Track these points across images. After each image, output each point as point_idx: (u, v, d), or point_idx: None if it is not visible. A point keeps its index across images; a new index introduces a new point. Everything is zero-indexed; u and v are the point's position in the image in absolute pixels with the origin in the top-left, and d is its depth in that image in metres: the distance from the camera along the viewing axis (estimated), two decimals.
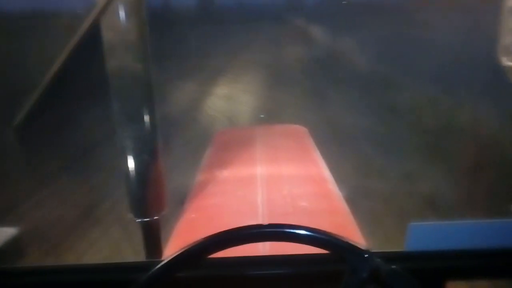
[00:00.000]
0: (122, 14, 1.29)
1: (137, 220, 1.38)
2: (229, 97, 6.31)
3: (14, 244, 1.87)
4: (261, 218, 1.41)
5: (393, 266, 0.68)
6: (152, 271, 0.69)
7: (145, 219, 1.37)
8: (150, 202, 1.38)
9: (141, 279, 0.68)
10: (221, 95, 6.40)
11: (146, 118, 1.36)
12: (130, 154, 1.35)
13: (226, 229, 0.74)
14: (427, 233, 0.90)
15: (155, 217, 1.38)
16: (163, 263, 0.70)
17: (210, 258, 0.74)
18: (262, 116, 5.11)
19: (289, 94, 5.83)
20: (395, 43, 8.14)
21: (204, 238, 0.72)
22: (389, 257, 0.83)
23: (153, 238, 1.38)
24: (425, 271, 0.85)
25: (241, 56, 8.27)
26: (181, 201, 1.66)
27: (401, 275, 0.68)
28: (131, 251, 2.25)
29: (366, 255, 0.67)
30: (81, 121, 4.28)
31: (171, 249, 1.31)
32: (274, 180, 1.77)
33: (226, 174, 1.89)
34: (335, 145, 3.53)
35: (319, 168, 1.89)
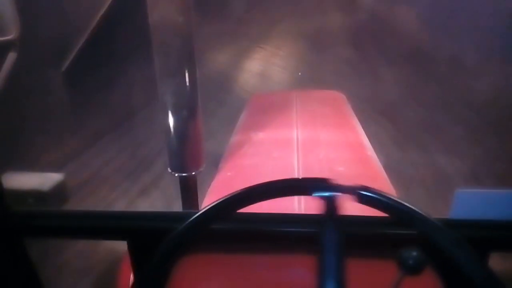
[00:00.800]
0: None
1: (176, 175, 1.40)
2: (264, 74, 5.52)
3: (60, 189, 1.98)
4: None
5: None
6: (188, 221, 0.69)
7: (183, 174, 1.39)
8: (188, 157, 1.40)
9: (177, 229, 0.69)
10: (255, 72, 5.62)
11: (187, 73, 1.35)
12: (170, 109, 1.36)
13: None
14: (474, 201, 0.87)
15: (193, 173, 1.40)
16: (199, 213, 0.70)
17: (244, 212, 0.74)
18: (299, 74, 4.74)
19: (332, 73, 4.80)
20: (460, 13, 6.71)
21: (239, 190, 0.72)
22: None
23: (190, 192, 1.41)
24: (469, 240, 0.82)
25: (280, 24, 7.28)
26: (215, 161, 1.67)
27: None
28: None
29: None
30: (126, 67, 4.01)
31: (207, 204, 1.33)
32: (310, 143, 1.74)
33: (261, 136, 1.88)
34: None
35: (357, 134, 1.84)
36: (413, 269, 0.67)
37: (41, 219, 0.97)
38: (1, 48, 1.97)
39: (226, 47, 6.16)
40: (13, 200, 0.98)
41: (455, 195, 0.88)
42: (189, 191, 1.42)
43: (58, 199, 1.95)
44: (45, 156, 2.74)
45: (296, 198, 1.20)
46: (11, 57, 1.99)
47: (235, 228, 0.91)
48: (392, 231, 0.90)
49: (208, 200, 1.39)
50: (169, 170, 1.40)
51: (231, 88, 4.94)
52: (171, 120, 1.35)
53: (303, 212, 1.17)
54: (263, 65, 5.84)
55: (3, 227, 0.94)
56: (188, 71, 1.35)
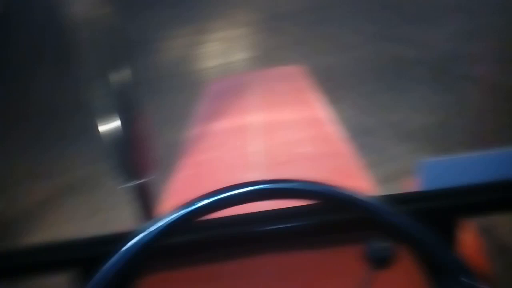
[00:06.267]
0: None
1: (123, 186, 1.27)
2: None
3: None
4: (258, 169, 1.30)
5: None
6: (126, 245, 0.60)
7: (132, 183, 1.26)
8: (135, 164, 1.26)
9: (120, 250, 0.60)
10: None
11: (120, 69, 1.20)
12: (104, 115, 1.21)
13: (221, 185, 0.64)
14: (437, 170, 0.81)
15: (143, 180, 1.27)
16: (138, 235, 0.60)
17: (202, 220, 0.65)
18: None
19: None
20: None
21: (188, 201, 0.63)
22: (399, 199, 0.74)
23: (144, 201, 1.28)
24: (436, 211, 0.76)
25: None
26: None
27: None
28: None
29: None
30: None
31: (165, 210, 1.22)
32: (271, 127, 1.65)
33: (219, 126, 1.77)
34: None
35: (319, 109, 1.75)
36: (382, 262, 0.59)
37: None
38: None
39: None
40: None
41: (417, 165, 0.81)
42: (143, 200, 1.29)
43: None
44: None
45: None
46: None
47: (192, 237, 0.81)
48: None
49: (166, 205, 1.28)
50: (115, 182, 1.26)
51: None
52: (107, 125, 1.20)
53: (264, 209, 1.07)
54: None
55: None
56: (121, 67, 1.20)
